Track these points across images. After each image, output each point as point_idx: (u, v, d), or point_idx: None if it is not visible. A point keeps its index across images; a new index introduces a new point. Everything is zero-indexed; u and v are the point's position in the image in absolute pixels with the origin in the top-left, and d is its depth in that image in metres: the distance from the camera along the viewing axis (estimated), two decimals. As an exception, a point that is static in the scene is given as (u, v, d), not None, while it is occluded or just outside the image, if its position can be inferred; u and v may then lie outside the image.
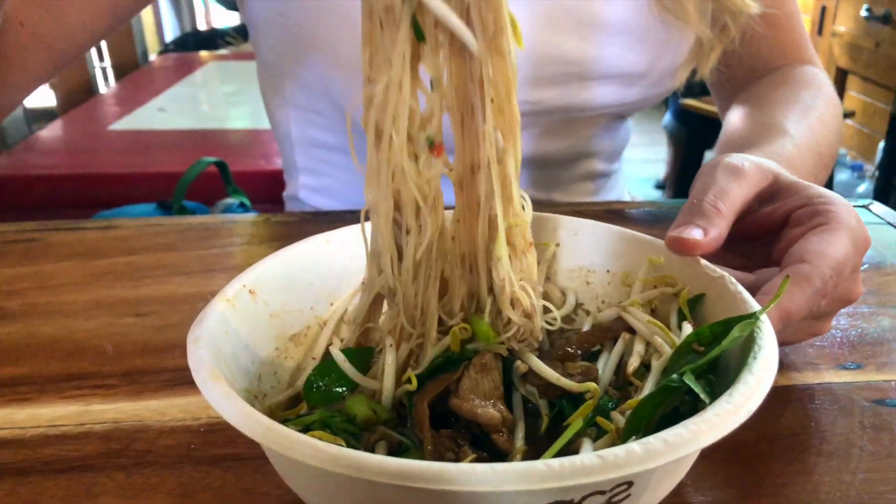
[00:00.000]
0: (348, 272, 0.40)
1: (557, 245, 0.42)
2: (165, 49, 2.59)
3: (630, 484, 0.25)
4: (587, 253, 0.41)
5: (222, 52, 2.62)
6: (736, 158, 0.42)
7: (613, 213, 0.63)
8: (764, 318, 0.31)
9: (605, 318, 0.38)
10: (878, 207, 0.65)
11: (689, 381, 0.28)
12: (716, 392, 0.28)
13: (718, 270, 0.35)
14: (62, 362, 0.43)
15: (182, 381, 0.41)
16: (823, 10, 2.69)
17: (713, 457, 0.35)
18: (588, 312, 0.40)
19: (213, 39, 2.74)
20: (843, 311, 0.47)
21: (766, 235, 0.42)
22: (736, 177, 0.41)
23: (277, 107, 0.71)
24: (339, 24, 0.58)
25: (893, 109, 2.10)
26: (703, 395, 0.27)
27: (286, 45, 0.64)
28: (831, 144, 0.62)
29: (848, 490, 0.34)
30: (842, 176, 2.50)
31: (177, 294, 0.51)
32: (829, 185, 1.90)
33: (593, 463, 0.23)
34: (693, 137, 2.36)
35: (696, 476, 0.34)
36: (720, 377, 0.31)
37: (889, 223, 0.63)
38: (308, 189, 0.73)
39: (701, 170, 0.43)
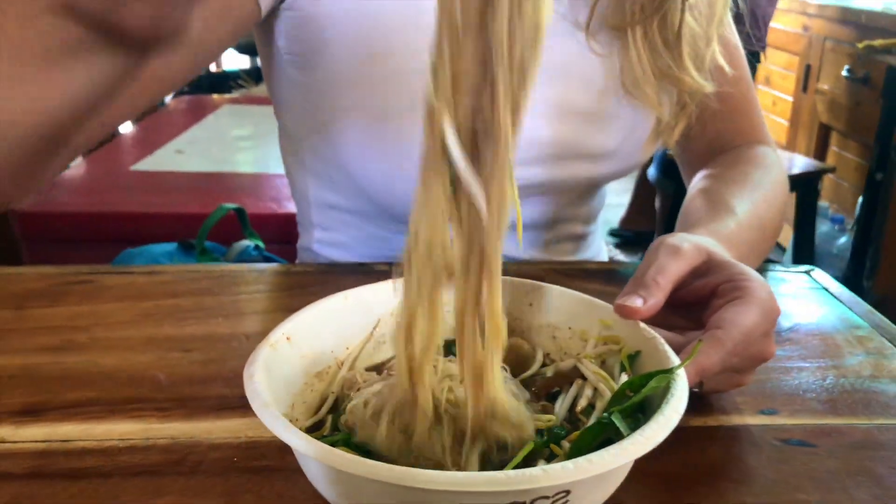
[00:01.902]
0: (361, 323, 0.50)
1: (531, 305, 0.52)
2: (181, 91, 2.71)
3: (568, 492, 0.35)
4: (554, 313, 0.51)
5: (234, 94, 2.75)
6: (677, 239, 0.52)
7: (587, 273, 0.73)
8: (680, 372, 0.41)
9: (565, 367, 0.47)
10: (817, 274, 0.76)
11: (616, 419, 0.37)
12: (640, 427, 0.37)
13: (652, 332, 0.45)
14: (125, 388, 0.53)
15: (225, 406, 0.51)
16: (808, 68, 2.82)
17: (648, 479, 0.44)
18: (553, 361, 0.50)
19: (224, 82, 2.86)
20: (770, 364, 0.57)
21: (700, 303, 0.51)
22: (674, 256, 0.51)
23: (296, 171, 0.81)
24: (360, 110, 0.69)
25: (871, 166, 2.22)
26: (623, 430, 0.37)
27: (308, 120, 0.74)
28: (773, 218, 0.72)
29: (749, 508, 0.43)
30: (823, 228, 2.61)
31: (215, 333, 0.61)
32: (811, 237, 2.01)
33: (538, 474, 0.33)
34: (680, 187, 2.47)
35: (633, 491, 0.43)
36: (647, 416, 0.40)
37: (825, 289, 0.73)
38: (321, 243, 0.83)
39: (649, 248, 0.53)
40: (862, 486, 0.45)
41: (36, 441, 0.47)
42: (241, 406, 0.51)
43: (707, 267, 0.52)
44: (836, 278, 2.52)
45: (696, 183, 0.77)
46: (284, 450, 0.46)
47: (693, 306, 0.52)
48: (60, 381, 0.54)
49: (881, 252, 2.28)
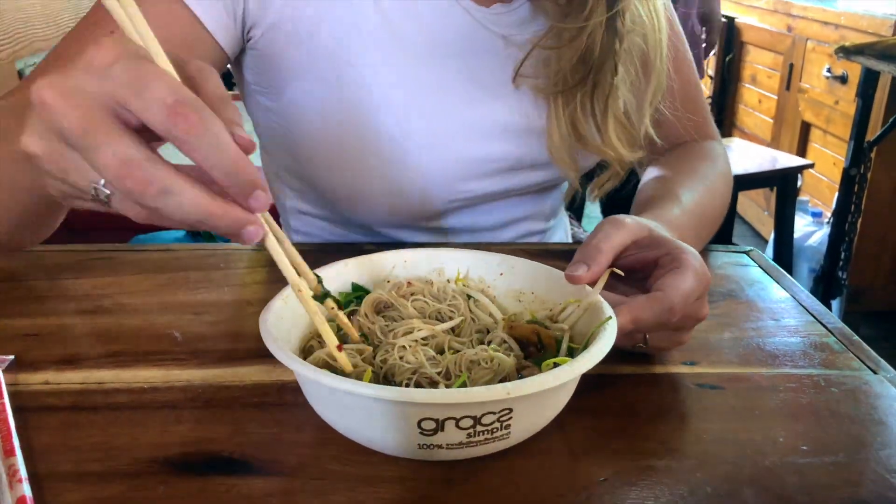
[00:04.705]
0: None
1: (501, 274, 0.62)
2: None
3: (510, 409, 0.44)
4: (520, 280, 0.61)
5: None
6: (621, 216, 0.62)
7: (549, 252, 0.83)
8: (612, 320, 0.50)
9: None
10: (755, 254, 0.85)
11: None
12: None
13: (595, 293, 0.54)
14: (147, 343, 0.63)
15: (232, 358, 0.60)
16: (791, 67, 2.92)
17: (588, 410, 0.54)
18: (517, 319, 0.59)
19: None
20: (698, 326, 0.67)
21: (644, 271, 0.60)
22: (617, 227, 0.60)
23: (274, 182, 0.89)
24: (322, 136, 0.76)
25: (846, 163, 2.31)
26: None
27: (280, 141, 0.81)
28: (715, 207, 0.82)
29: (667, 432, 0.53)
30: (804, 221, 2.71)
31: (222, 300, 0.70)
32: (791, 229, 2.13)
33: (481, 391, 0.42)
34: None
35: (575, 417, 0.53)
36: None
37: (760, 266, 0.82)
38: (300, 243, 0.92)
39: (597, 224, 0.63)
40: (754, 417, 0.55)
41: (74, 383, 0.57)
42: (246, 357, 0.61)
43: (649, 241, 0.61)
44: (814, 270, 2.62)
45: (650, 172, 0.86)
46: (282, 389, 0.56)
47: (638, 274, 0.61)
48: (93, 338, 0.63)
49: (854, 245, 2.38)
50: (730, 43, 3.49)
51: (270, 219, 0.45)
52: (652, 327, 0.57)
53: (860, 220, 2.36)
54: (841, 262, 2.40)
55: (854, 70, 2.35)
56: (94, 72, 0.38)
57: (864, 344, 0.66)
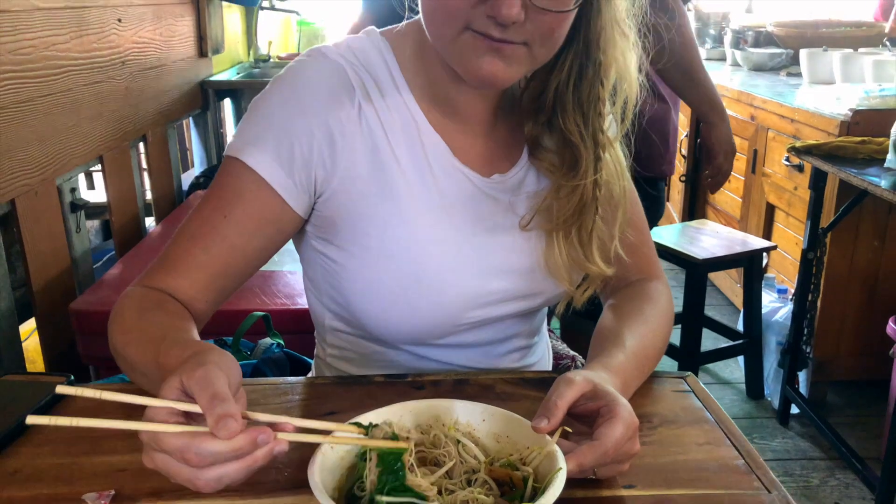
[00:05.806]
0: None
1: (483, 420, 0.81)
2: (196, 184, 2.99)
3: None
4: (498, 426, 0.80)
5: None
6: (573, 374, 0.81)
7: (526, 381, 1.02)
8: (562, 470, 0.69)
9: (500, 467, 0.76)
10: (690, 380, 1.05)
11: None
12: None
13: (552, 442, 0.74)
14: (213, 477, 0.81)
15: (279, 488, 0.79)
16: (755, 152, 3.16)
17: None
18: (498, 459, 0.78)
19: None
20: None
21: (589, 417, 0.80)
22: (569, 385, 0.80)
23: (316, 305, 1.09)
24: (363, 276, 0.98)
25: (804, 246, 2.53)
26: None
27: (326, 276, 1.03)
28: (656, 345, 1.02)
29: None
30: (771, 297, 2.92)
31: (266, 435, 0.89)
32: (759, 305, 2.37)
33: (466, 531, 0.61)
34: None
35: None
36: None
37: (692, 391, 1.02)
38: (333, 357, 1.11)
39: (556, 379, 0.82)
40: (673, 534, 0.74)
41: (162, 513, 0.76)
42: (289, 487, 0.79)
43: (593, 394, 0.81)
44: (781, 343, 2.84)
45: (604, 313, 1.07)
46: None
47: (585, 418, 0.81)
48: (171, 472, 0.82)
49: (816, 321, 2.59)
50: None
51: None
52: (594, 467, 0.76)
53: (820, 299, 2.57)
54: (804, 337, 2.60)
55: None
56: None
57: (766, 466, 0.85)
